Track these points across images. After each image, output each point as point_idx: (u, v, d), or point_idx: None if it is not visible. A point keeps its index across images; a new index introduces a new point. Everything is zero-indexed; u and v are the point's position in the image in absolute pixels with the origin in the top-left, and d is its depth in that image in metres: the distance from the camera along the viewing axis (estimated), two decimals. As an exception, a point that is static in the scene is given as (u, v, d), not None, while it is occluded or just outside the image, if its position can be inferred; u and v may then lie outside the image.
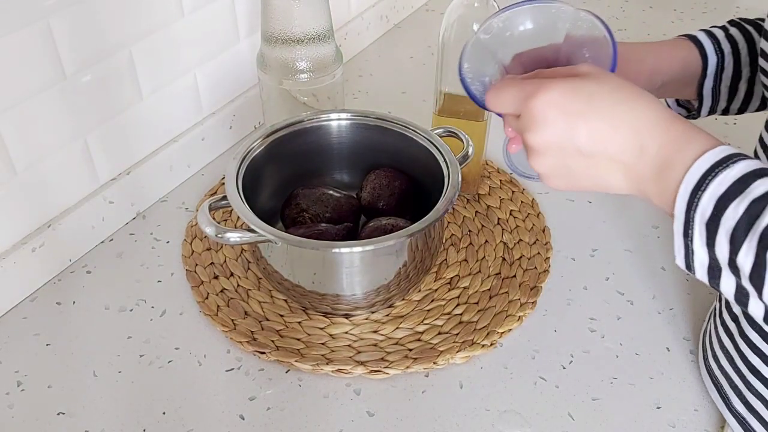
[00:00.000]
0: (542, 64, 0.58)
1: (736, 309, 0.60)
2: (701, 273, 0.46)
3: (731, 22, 0.69)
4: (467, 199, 0.87)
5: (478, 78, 0.60)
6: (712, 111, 0.71)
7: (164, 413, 0.64)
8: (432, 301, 0.74)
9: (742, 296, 0.45)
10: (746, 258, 0.42)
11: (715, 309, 0.66)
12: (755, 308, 0.45)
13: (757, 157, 0.59)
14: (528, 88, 0.49)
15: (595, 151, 0.47)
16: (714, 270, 0.45)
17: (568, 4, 0.58)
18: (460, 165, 0.72)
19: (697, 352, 0.69)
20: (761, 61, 0.61)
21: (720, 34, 0.69)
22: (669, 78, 0.68)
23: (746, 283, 0.43)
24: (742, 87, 0.68)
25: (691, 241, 0.45)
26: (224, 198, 0.68)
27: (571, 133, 0.47)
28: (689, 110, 0.72)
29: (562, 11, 0.59)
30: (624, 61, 0.63)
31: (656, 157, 0.46)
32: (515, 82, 0.51)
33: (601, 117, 0.47)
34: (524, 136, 0.50)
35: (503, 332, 0.71)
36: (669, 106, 0.74)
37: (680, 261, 0.47)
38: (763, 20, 0.58)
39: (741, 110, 0.70)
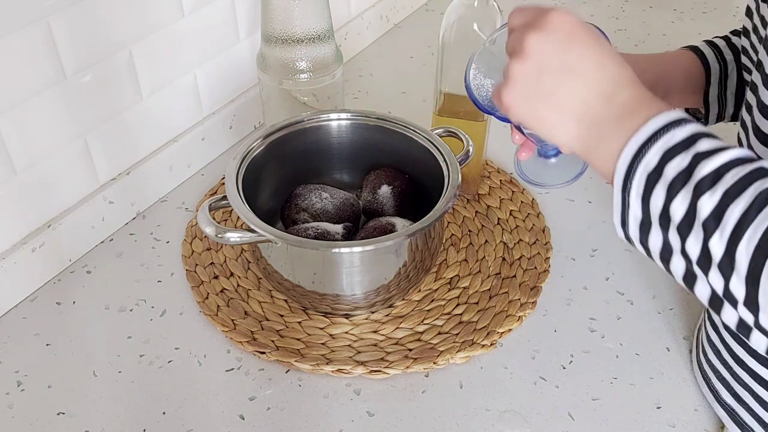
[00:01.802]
0: None
1: None
2: (634, 229, 0.46)
3: (734, 32, 0.71)
4: (467, 199, 0.87)
5: (484, 87, 0.61)
6: (720, 118, 0.71)
7: (164, 413, 0.64)
8: (432, 301, 0.74)
9: (666, 252, 0.45)
10: (680, 205, 0.43)
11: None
12: (677, 265, 0.45)
13: (739, 141, 0.60)
14: (546, 9, 0.50)
15: (577, 71, 0.48)
16: (645, 225, 0.46)
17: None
18: (460, 165, 0.72)
19: (691, 350, 0.70)
20: (743, 58, 0.62)
21: (721, 43, 0.70)
22: (672, 88, 0.69)
23: (673, 236, 0.44)
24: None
25: (629, 194, 0.45)
26: (224, 198, 0.68)
27: (566, 47, 0.48)
28: (697, 118, 0.73)
29: None
30: None
31: (622, 106, 0.47)
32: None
33: (597, 50, 0.49)
34: (522, 39, 0.50)
35: (503, 332, 0.71)
36: None
37: (616, 218, 0.47)
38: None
39: None
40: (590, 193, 0.89)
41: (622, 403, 0.65)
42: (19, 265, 0.72)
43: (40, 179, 0.73)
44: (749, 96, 0.57)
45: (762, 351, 0.44)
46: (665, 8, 1.31)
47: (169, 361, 0.69)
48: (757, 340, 0.43)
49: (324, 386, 0.67)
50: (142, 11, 0.77)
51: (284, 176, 0.79)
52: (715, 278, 0.42)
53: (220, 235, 0.64)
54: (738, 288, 0.41)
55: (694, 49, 0.70)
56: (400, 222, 0.72)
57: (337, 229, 0.73)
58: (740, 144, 0.60)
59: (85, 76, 0.74)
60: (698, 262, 0.43)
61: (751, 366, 0.58)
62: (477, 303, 0.74)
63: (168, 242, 0.82)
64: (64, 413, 0.64)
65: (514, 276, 0.77)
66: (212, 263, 0.78)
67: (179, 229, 0.83)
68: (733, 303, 0.42)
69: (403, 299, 0.74)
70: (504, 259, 0.79)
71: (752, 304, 0.41)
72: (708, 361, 0.64)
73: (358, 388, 0.67)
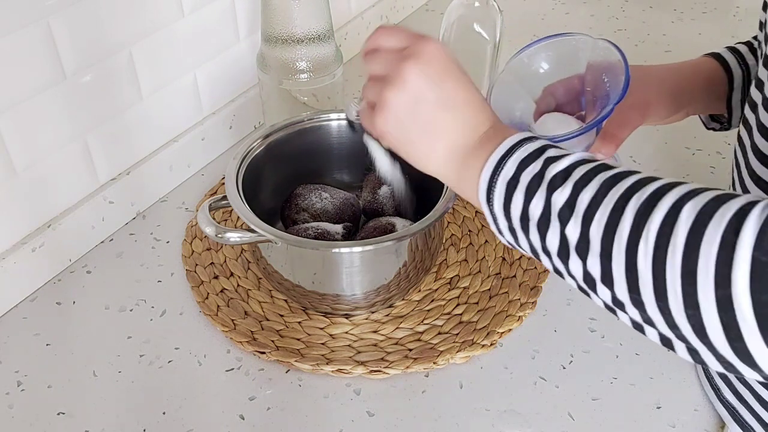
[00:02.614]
0: (572, 93, 0.63)
1: None
2: (507, 236, 0.50)
3: (755, 38, 0.71)
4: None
5: (508, 116, 0.62)
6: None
7: (164, 413, 0.64)
8: (432, 301, 0.74)
9: (534, 252, 0.48)
10: (537, 204, 0.46)
11: None
12: (545, 262, 0.48)
13: (735, 157, 0.60)
14: (403, 53, 0.52)
15: (450, 105, 0.51)
16: (512, 231, 0.49)
17: (586, 34, 0.60)
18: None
19: None
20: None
21: (743, 49, 0.71)
22: (696, 96, 0.70)
23: (533, 234, 0.47)
24: None
25: (493, 206, 0.49)
26: (224, 198, 0.68)
27: (442, 80, 0.51)
28: (721, 123, 0.74)
29: (581, 41, 0.62)
30: (644, 84, 0.66)
31: (485, 134, 0.51)
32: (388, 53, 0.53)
33: (464, 86, 0.52)
34: (399, 66, 0.51)
35: (503, 332, 0.71)
36: (702, 120, 0.76)
37: (494, 228, 0.50)
38: None
39: None
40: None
41: (622, 403, 0.65)
42: (19, 265, 0.73)
43: (40, 179, 0.73)
44: (748, 113, 0.58)
45: (629, 324, 0.46)
46: (665, 8, 1.31)
47: (169, 361, 0.69)
48: (624, 318, 0.46)
49: (324, 386, 0.67)
50: (142, 11, 0.77)
51: (284, 176, 0.79)
52: (575, 264, 0.45)
53: (220, 235, 0.64)
54: (594, 266, 0.44)
55: (716, 56, 0.71)
56: (400, 222, 0.72)
57: (337, 229, 0.73)
58: (737, 163, 0.60)
59: (85, 76, 0.74)
60: (559, 254, 0.46)
61: None
62: (477, 303, 0.74)
63: (168, 242, 0.82)
64: (64, 413, 0.64)
65: (514, 276, 0.77)
66: (212, 263, 0.78)
67: (179, 229, 0.83)
68: (593, 283, 0.45)
69: (403, 299, 0.74)
70: (504, 259, 0.79)
71: (607, 279, 0.43)
72: None
73: (358, 388, 0.67)
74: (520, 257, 0.79)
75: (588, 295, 0.47)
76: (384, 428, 0.63)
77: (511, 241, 0.50)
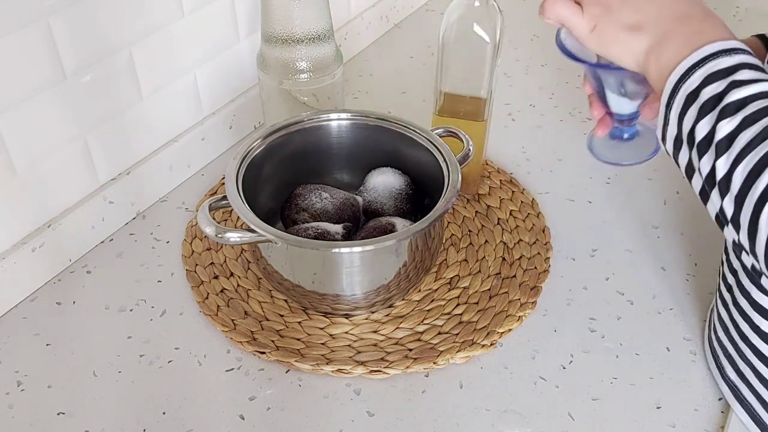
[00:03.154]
0: None
1: (731, 278, 0.62)
2: (669, 145, 0.51)
3: None
4: (467, 199, 0.87)
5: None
6: None
7: (164, 413, 0.64)
8: (432, 301, 0.74)
9: (690, 169, 0.49)
10: (704, 126, 0.46)
11: (716, 284, 0.68)
12: (696, 181, 0.49)
13: None
14: None
15: None
16: (678, 141, 0.49)
17: None
18: (460, 165, 0.72)
19: (703, 332, 0.71)
20: None
21: None
22: None
23: (694, 153, 0.48)
24: None
25: (670, 111, 0.49)
26: (224, 198, 0.68)
27: None
28: None
29: None
30: None
31: (693, 25, 0.50)
32: None
33: None
34: None
35: (503, 332, 0.71)
36: None
37: (658, 132, 0.51)
38: None
39: None
40: (590, 193, 0.89)
41: (622, 403, 0.65)
42: (19, 265, 0.73)
43: (40, 179, 0.73)
44: None
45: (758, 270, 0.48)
46: (665, 8, 1.31)
47: (169, 361, 0.69)
48: (745, 260, 0.47)
49: (324, 386, 0.67)
50: (142, 11, 0.77)
51: (284, 176, 0.79)
52: (715, 196, 0.46)
53: (220, 235, 0.64)
54: (729, 206, 0.45)
55: (760, 37, 0.71)
56: (400, 222, 0.72)
57: (337, 229, 0.73)
58: None
59: (85, 76, 0.74)
60: (706, 180, 0.47)
61: (754, 343, 0.59)
62: (477, 303, 0.74)
63: (168, 242, 0.82)
64: (64, 413, 0.64)
65: (514, 276, 0.77)
66: (212, 263, 0.78)
67: (179, 229, 0.83)
68: (725, 221, 0.46)
69: (403, 299, 0.74)
70: (504, 259, 0.79)
71: (736, 223, 0.45)
72: (717, 338, 0.65)
73: (358, 388, 0.67)
74: (520, 257, 0.79)
75: (722, 229, 0.48)
76: (384, 428, 0.63)
77: (671, 150, 0.50)
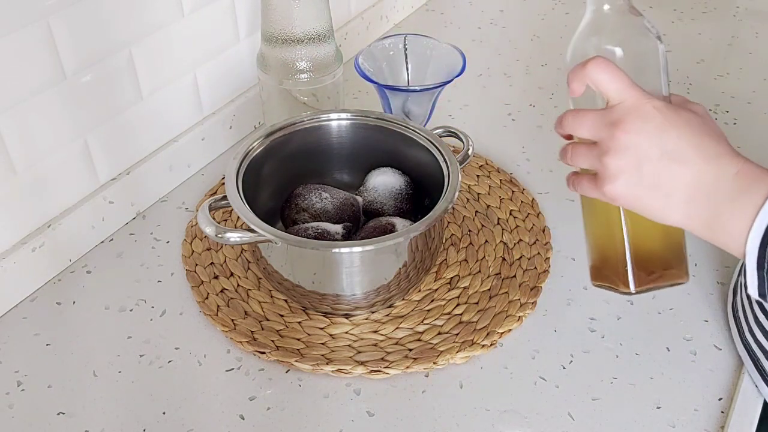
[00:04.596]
0: None
1: None
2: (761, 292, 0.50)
3: None
4: (467, 199, 0.87)
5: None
6: None
7: (164, 413, 0.64)
8: (432, 301, 0.74)
9: None
10: None
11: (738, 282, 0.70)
12: None
13: None
14: (612, 118, 0.51)
15: (676, 156, 0.49)
16: None
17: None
18: (460, 165, 0.72)
19: (729, 326, 0.71)
20: None
21: None
22: None
23: None
24: None
25: (766, 272, 0.48)
26: (224, 198, 0.68)
27: (661, 133, 0.49)
28: None
29: None
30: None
31: (734, 180, 0.49)
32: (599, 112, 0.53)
33: (691, 130, 0.50)
34: (613, 133, 0.51)
35: (503, 332, 0.71)
36: None
37: (752, 290, 0.49)
38: None
39: None
40: (590, 193, 0.89)
41: (622, 403, 0.65)
42: (19, 265, 0.73)
43: (40, 179, 0.73)
44: None
45: None
46: (665, 8, 1.31)
47: (169, 361, 0.69)
48: None
49: (324, 386, 0.67)
50: (142, 11, 0.77)
51: (284, 176, 0.79)
52: None
53: (220, 235, 0.64)
54: None
55: None
56: (400, 222, 0.73)
57: (337, 229, 0.73)
58: None
59: (85, 76, 0.74)
60: None
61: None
62: (477, 303, 0.74)
63: (168, 242, 0.82)
64: (64, 413, 0.64)
65: (514, 276, 0.77)
66: (212, 263, 0.78)
67: (179, 229, 0.83)
68: None
69: (403, 299, 0.74)
70: (504, 259, 0.79)
71: None
72: (741, 301, 0.66)
73: (358, 388, 0.67)
74: (520, 257, 0.79)
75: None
76: (384, 428, 0.63)
77: (760, 296, 0.49)
